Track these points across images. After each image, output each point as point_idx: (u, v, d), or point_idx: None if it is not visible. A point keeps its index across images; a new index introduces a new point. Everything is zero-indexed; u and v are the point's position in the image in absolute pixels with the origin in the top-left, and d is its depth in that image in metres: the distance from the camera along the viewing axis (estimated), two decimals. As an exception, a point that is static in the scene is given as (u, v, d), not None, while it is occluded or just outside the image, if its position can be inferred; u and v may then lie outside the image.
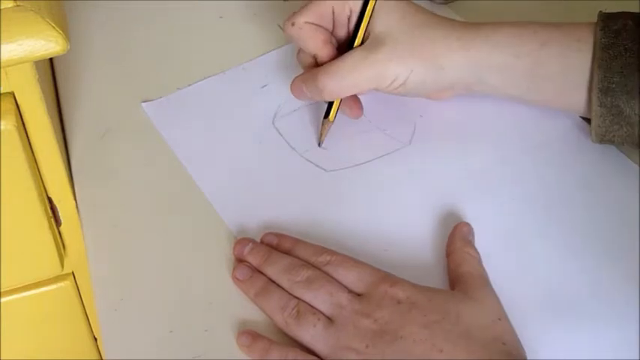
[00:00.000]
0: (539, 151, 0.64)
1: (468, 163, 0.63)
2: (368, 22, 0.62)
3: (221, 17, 0.75)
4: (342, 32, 0.64)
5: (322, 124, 0.64)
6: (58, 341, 0.75)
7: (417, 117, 0.66)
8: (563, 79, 0.61)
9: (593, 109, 0.60)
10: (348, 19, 0.63)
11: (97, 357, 0.76)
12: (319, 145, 0.65)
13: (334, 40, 0.64)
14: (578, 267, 0.57)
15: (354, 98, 0.65)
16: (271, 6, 0.75)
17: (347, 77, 0.61)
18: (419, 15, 0.62)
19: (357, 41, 0.62)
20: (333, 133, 0.65)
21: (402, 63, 0.60)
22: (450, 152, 0.64)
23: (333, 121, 0.64)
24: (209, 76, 0.69)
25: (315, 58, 0.64)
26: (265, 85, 0.69)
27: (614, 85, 0.58)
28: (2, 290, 0.66)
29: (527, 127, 0.65)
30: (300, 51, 0.65)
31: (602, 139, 0.61)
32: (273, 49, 0.72)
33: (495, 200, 0.61)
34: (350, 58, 0.61)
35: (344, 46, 0.64)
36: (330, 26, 0.64)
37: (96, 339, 0.75)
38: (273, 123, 0.66)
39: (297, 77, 0.64)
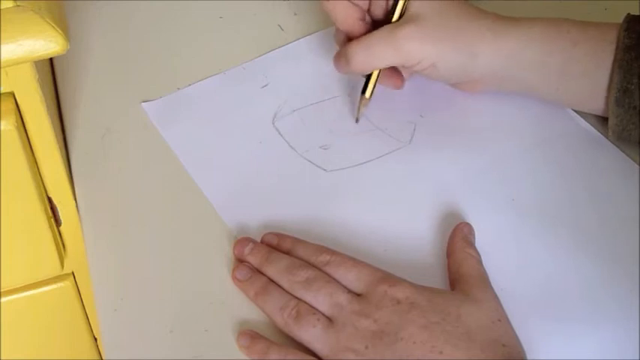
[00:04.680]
0: (539, 151, 0.64)
1: (468, 163, 0.63)
2: (406, 1, 0.62)
3: (221, 17, 0.75)
4: (379, 10, 0.64)
5: (359, 100, 0.65)
6: (58, 341, 0.75)
7: (417, 117, 0.66)
8: (593, 79, 0.61)
9: (611, 109, 0.60)
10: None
11: (97, 357, 0.76)
12: (356, 121, 0.65)
13: (369, 19, 0.65)
14: (578, 267, 0.57)
15: (394, 69, 0.65)
16: (271, 6, 0.75)
17: (372, 50, 0.61)
18: (454, 0, 0.62)
19: (394, 18, 0.62)
20: (334, 133, 0.65)
21: (428, 44, 0.60)
22: (450, 152, 0.64)
23: (369, 98, 0.64)
24: (209, 76, 0.69)
25: (348, 35, 0.64)
26: (265, 85, 0.69)
27: (632, 86, 0.58)
28: (2, 290, 0.66)
29: (528, 127, 0.65)
30: (336, 29, 0.66)
31: (619, 137, 0.61)
32: (273, 49, 0.72)
33: (495, 200, 0.61)
34: (379, 32, 0.62)
35: (381, 25, 0.63)
36: (365, 5, 0.64)
37: (96, 339, 0.75)
38: (273, 123, 0.66)
39: (337, 51, 0.65)
